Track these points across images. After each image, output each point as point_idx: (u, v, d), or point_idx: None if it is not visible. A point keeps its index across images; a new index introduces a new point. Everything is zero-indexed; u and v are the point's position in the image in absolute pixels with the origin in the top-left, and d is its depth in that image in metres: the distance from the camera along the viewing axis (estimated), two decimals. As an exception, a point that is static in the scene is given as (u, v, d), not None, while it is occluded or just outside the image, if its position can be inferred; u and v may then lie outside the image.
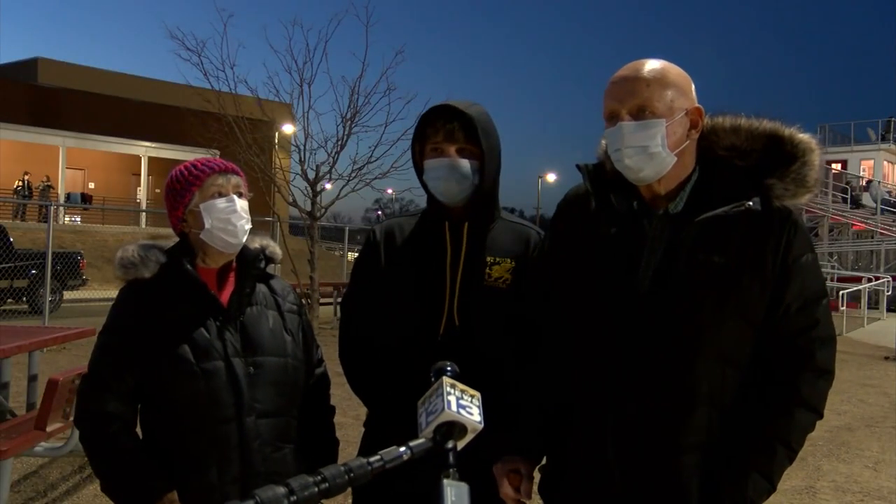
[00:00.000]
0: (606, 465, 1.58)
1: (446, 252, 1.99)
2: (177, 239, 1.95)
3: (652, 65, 1.57)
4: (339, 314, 14.60)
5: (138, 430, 1.88)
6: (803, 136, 1.61)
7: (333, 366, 2.15)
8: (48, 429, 3.83)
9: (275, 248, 2.03)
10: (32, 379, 5.41)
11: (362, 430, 2.12)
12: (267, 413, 1.84)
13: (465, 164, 1.95)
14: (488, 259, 1.98)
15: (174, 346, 1.79)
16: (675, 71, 1.59)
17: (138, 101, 32.23)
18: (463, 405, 1.14)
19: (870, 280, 18.96)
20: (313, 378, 2.05)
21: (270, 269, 2.06)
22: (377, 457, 1.04)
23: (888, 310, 19.19)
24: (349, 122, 12.97)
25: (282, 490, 0.95)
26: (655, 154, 1.54)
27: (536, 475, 1.75)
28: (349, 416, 5.22)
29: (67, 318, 11.80)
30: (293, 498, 0.95)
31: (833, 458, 5.66)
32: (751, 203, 1.54)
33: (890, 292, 18.97)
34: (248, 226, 1.90)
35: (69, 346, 8.95)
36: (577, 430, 1.66)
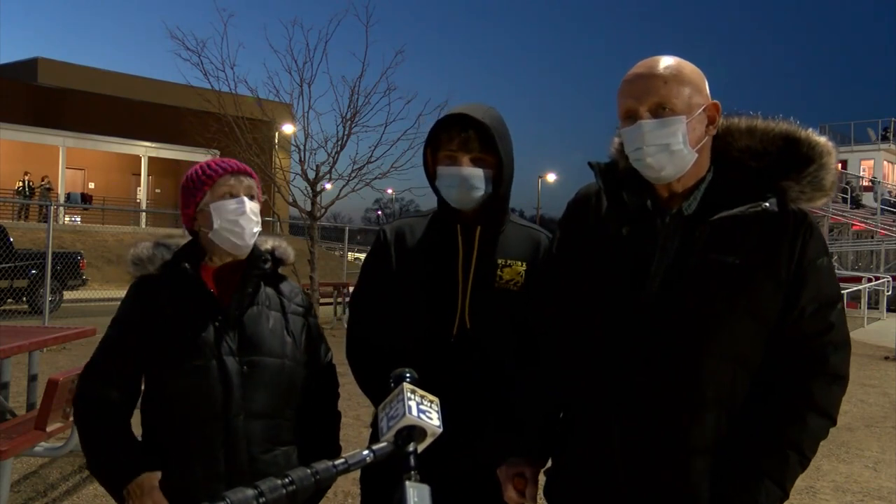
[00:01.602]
0: (612, 468, 1.57)
1: (458, 255, 1.98)
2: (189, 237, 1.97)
3: (667, 61, 1.56)
4: (338, 314, 14.49)
5: (137, 427, 1.89)
6: (820, 139, 1.59)
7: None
8: (48, 429, 3.83)
9: (285, 250, 2.04)
10: (32, 379, 5.42)
11: (363, 430, 2.12)
12: (259, 414, 1.85)
13: (480, 173, 1.94)
14: (500, 261, 1.97)
15: (170, 342, 1.82)
16: (689, 67, 1.58)
17: (138, 101, 32.24)
18: (423, 410, 1.19)
19: (870, 280, 18.94)
20: (320, 381, 2.04)
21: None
22: (342, 460, 1.09)
23: (888, 310, 19.17)
24: (349, 122, 13.01)
25: (251, 492, 0.99)
26: (677, 151, 1.53)
27: (541, 478, 1.74)
28: (349, 416, 5.22)
29: (67, 318, 11.81)
30: (262, 500, 0.99)
31: (833, 458, 5.66)
32: (767, 204, 1.52)
33: (890, 292, 18.96)
34: (258, 228, 1.91)
35: (69, 346, 8.95)
36: (582, 433, 1.64)
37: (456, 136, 1.95)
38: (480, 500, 1.91)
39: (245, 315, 1.89)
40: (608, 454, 1.57)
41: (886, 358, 11.57)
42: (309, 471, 1.05)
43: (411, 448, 1.15)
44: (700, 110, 1.55)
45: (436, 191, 2.02)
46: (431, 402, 1.22)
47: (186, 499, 1.77)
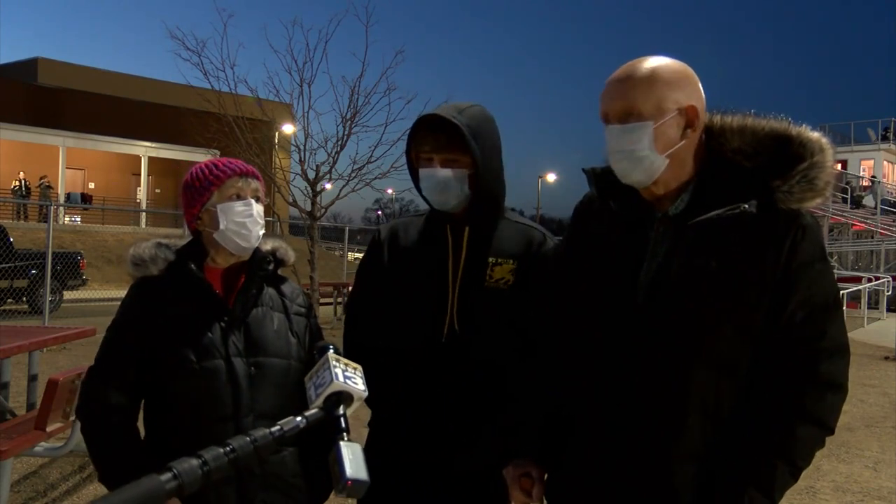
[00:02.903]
0: (603, 474, 1.56)
1: (448, 254, 1.98)
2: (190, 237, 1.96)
3: (642, 64, 1.52)
4: (338, 314, 14.47)
5: (141, 426, 1.89)
6: (812, 136, 1.52)
7: (334, 366, 2.15)
8: (48, 429, 3.83)
9: (286, 251, 2.03)
10: (32, 379, 5.42)
11: (362, 430, 2.12)
12: (266, 414, 1.84)
13: (452, 174, 1.93)
14: (490, 260, 1.97)
15: (176, 344, 1.81)
16: (669, 68, 1.52)
17: (138, 101, 32.22)
18: (348, 376, 1.27)
19: (870, 280, 18.94)
20: None
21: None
22: (277, 427, 1.16)
23: (888, 310, 19.16)
24: (349, 122, 12.97)
25: (195, 461, 1.05)
26: (643, 158, 1.50)
27: None
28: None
29: (67, 318, 11.81)
30: (206, 468, 1.05)
31: (833, 458, 5.66)
32: (746, 206, 1.46)
33: (890, 292, 18.95)
34: (262, 231, 1.91)
35: (69, 346, 8.95)
36: (581, 433, 1.64)
37: (428, 137, 1.95)
38: (478, 500, 1.91)
39: (249, 316, 1.89)
40: (598, 460, 1.57)
41: (886, 358, 11.57)
42: (248, 438, 1.11)
43: (341, 411, 1.23)
44: (672, 114, 1.49)
45: (420, 192, 2.02)
46: (355, 368, 1.31)
47: (195, 501, 1.77)
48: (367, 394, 1.27)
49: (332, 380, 1.24)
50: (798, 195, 1.48)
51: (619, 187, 1.61)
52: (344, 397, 1.24)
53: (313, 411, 1.21)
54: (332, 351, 1.32)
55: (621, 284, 1.57)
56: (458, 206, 1.97)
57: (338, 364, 1.28)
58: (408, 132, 2.05)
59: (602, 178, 1.64)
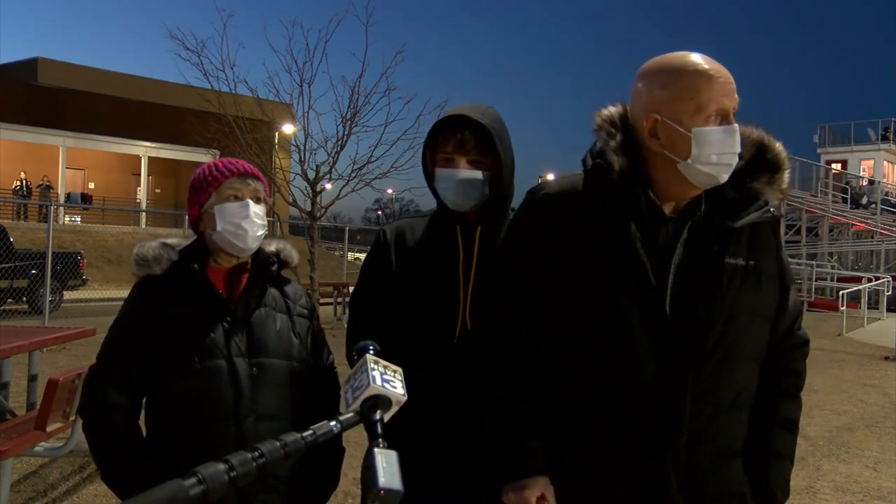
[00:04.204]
0: (666, 485, 1.53)
1: (458, 256, 1.97)
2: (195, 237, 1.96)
3: None
4: (338, 314, 14.41)
5: (142, 425, 1.89)
6: (778, 143, 1.67)
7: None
8: (48, 429, 3.83)
9: (290, 253, 2.03)
10: (32, 379, 5.42)
11: (365, 432, 2.11)
12: (267, 415, 1.84)
13: (477, 175, 1.92)
14: None
15: (178, 343, 1.81)
16: None
17: (138, 101, 32.23)
18: (387, 379, 1.21)
19: (870, 280, 18.94)
20: (323, 383, 2.02)
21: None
22: (310, 431, 1.10)
23: (888, 310, 19.15)
24: (349, 122, 12.98)
25: (222, 466, 1.00)
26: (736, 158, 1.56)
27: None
28: (349, 416, 5.21)
29: (67, 318, 11.81)
30: (233, 473, 1.00)
31: (833, 458, 5.65)
32: (773, 209, 1.60)
33: (890, 292, 18.93)
34: (262, 231, 1.90)
35: (69, 346, 8.96)
36: (580, 438, 1.61)
37: (452, 137, 1.93)
38: (480, 501, 1.91)
39: (252, 317, 1.89)
40: (661, 468, 1.53)
41: (886, 358, 11.55)
42: (278, 443, 1.06)
43: (377, 416, 1.17)
44: None
45: (434, 192, 2.01)
46: (395, 371, 1.25)
47: None
48: (406, 398, 1.21)
49: (369, 383, 1.18)
50: (778, 196, 1.65)
51: (617, 184, 1.58)
52: (381, 401, 1.19)
53: (349, 416, 1.17)
54: (371, 352, 1.26)
55: (650, 284, 1.54)
56: (473, 208, 1.96)
57: (376, 367, 1.23)
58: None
59: (610, 174, 1.59)
